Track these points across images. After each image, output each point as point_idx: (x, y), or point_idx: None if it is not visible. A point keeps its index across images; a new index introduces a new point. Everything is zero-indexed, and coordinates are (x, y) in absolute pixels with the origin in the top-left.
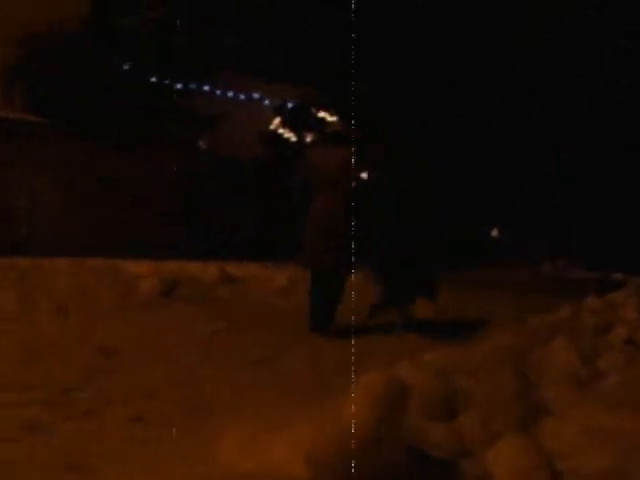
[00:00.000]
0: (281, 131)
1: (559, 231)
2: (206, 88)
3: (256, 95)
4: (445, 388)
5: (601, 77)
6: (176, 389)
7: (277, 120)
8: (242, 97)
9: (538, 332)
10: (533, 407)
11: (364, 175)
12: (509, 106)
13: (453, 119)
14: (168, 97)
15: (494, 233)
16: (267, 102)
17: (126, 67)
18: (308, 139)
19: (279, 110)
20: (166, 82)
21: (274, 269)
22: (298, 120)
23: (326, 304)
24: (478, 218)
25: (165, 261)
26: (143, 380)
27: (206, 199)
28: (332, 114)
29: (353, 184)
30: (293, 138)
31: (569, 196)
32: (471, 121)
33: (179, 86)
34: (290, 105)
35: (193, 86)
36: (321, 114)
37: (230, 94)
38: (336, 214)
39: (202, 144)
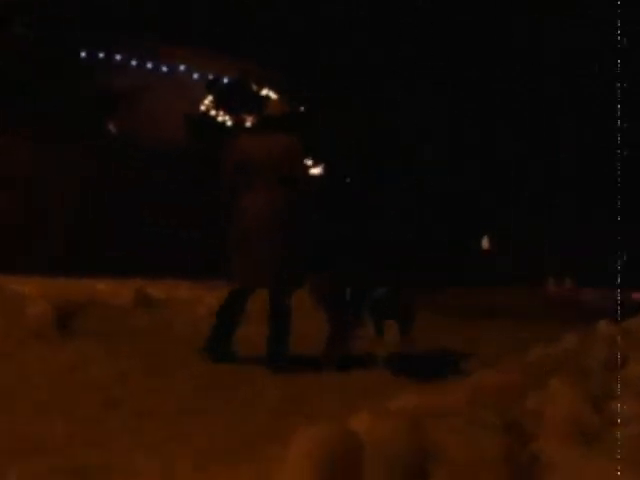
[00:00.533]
0: (214, 113)
1: (564, 242)
2: (118, 58)
3: (182, 67)
4: (414, 444)
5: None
6: (69, 449)
7: (209, 99)
8: (164, 69)
9: (536, 368)
10: (527, 468)
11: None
12: (508, 108)
13: (449, 117)
14: (67, 70)
15: (484, 243)
16: (196, 76)
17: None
18: (248, 124)
19: (212, 87)
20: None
21: (205, 288)
22: (235, 100)
23: (275, 336)
24: (465, 225)
25: (66, 278)
26: (28, 439)
27: (118, 201)
28: (279, 94)
29: (296, 179)
30: (229, 122)
31: (574, 200)
32: (466, 120)
33: (83, 55)
34: (226, 81)
35: (101, 55)
36: (265, 93)
37: (149, 65)
38: (271, 215)
39: (112, 128)
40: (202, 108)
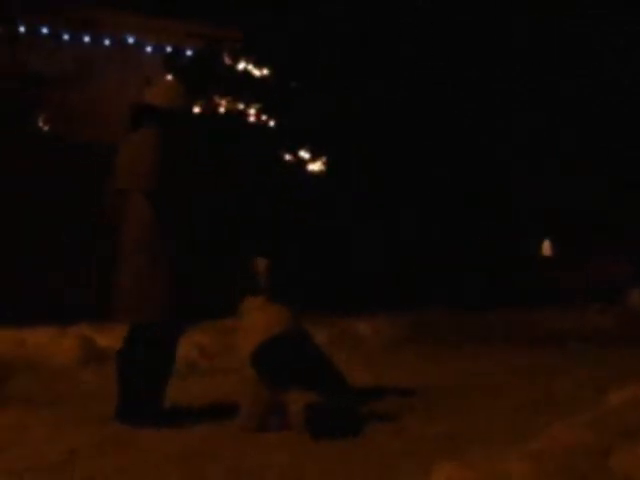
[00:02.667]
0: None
1: None
2: (45, 31)
3: (131, 39)
4: None
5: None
6: None
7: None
8: (107, 42)
9: (623, 417)
10: None
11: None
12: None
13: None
14: None
15: (545, 249)
16: (149, 49)
17: None
18: (221, 110)
19: (171, 63)
20: None
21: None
22: (203, 79)
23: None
24: (520, 228)
25: None
26: None
27: (54, 218)
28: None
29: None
30: (196, 109)
31: None
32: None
33: None
34: (189, 54)
35: (22, 29)
36: (242, 67)
37: (86, 39)
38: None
39: (42, 124)
40: None
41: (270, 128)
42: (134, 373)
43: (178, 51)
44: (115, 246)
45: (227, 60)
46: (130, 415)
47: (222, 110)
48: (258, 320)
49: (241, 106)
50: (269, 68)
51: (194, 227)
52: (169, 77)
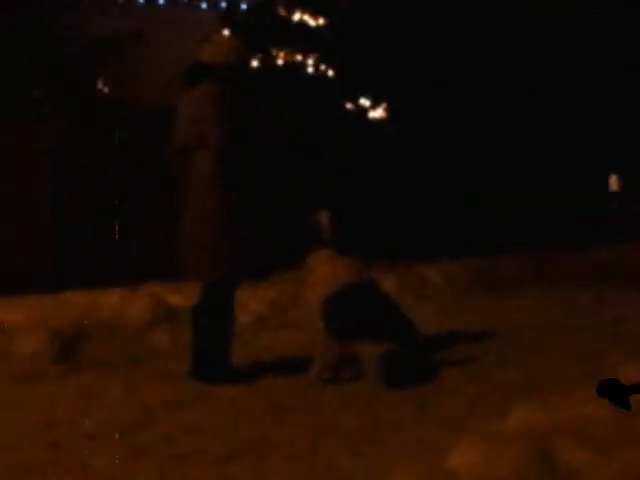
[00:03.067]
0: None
1: None
2: None
3: None
4: (544, 476)
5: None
6: None
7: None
8: (161, 1)
9: None
10: None
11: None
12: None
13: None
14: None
15: (613, 185)
16: (204, 6)
17: None
18: (279, 61)
19: (227, 19)
20: None
21: (247, 288)
22: (260, 33)
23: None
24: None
25: (62, 293)
26: None
27: (120, 185)
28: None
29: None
30: (255, 64)
31: None
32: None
33: None
34: (244, 8)
35: None
36: (298, 19)
37: (141, 1)
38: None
39: (102, 87)
40: None
41: (329, 78)
42: (207, 330)
43: (233, 6)
44: (180, 204)
45: (282, 12)
46: (203, 372)
47: (280, 62)
48: (325, 272)
49: (299, 57)
50: (324, 18)
51: (258, 181)
52: (223, 33)
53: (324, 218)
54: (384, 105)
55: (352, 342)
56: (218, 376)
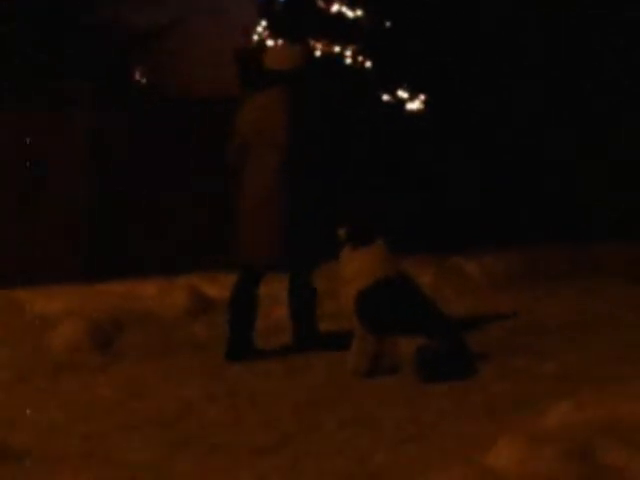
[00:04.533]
0: (271, 44)
1: None
2: None
3: None
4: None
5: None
6: None
7: (262, 26)
8: None
9: None
10: None
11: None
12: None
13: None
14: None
15: None
16: None
17: None
18: (317, 53)
19: (264, 9)
20: None
21: (283, 278)
22: (297, 23)
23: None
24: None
25: (99, 285)
26: None
27: (155, 175)
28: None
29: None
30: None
31: None
32: None
33: None
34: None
35: None
36: (336, 10)
37: None
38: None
39: (139, 76)
40: (255, 39)
41: (367, 69)
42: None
43: None
44: (239, 199)
45: (320, 3)
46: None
47: (318, 53)
48: (358, 267)
49: (337, 49)
50: (363, 9)
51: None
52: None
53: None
54: (422, 97)
55: (388, 336)
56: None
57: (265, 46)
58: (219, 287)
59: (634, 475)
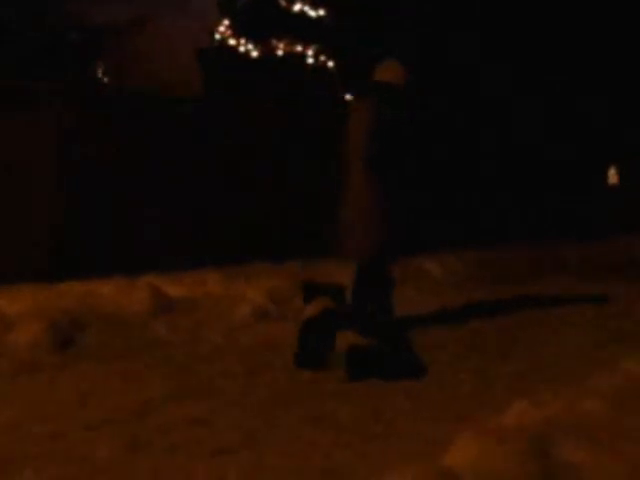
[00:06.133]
0: (233, 43)
1: None
2: None
3: None
4: (541, 474)
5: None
6: None
7: (225, 25)
8: None
9: None
10: None
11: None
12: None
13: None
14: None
15: (611, 177)
16: None
17: None
18: (279, 52)
19: (227, 8)
20: None
21: (244, 279)
22: (259, 22)
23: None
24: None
25: (60, 284)
26: None
27: (114, 173)
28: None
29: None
30: (254, 53)
31: None
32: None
33: None
34: None
35: None
36: (298, 9)
37: None
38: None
39: (100, 73)
40: (217, 37)
41: (329, 68)
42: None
43: None
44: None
45: (282, 2)
46: None
47: (280, 53)
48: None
49: (299, 48)
50: (325, 8)
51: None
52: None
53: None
54: None
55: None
56: None
57: (227, 45)
58: (180, 287)
59: (591, 472)
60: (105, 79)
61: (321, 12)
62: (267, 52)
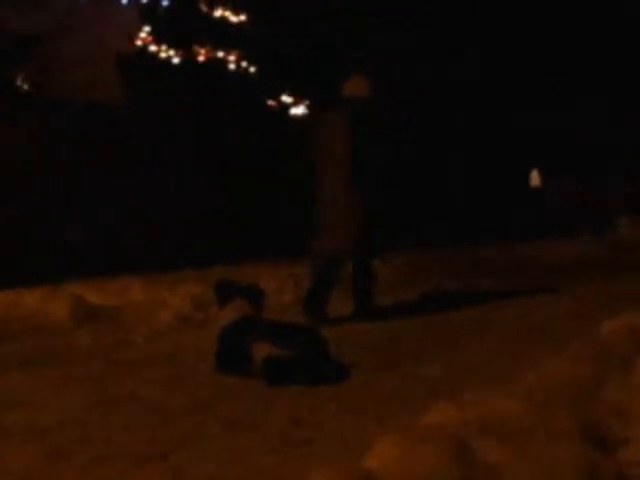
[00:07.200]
0: (154, 49)
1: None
2: None
3: None
4: (461, 475)
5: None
6: None
7: (146, 31)
8: None
9: (614, 347)
10: None
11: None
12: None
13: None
14: None
15: (534, 179)
16: (125, 1)
17: None
18: (201, 58)
19: (149, 14)
20: None
21: (166, 286)
22: (180, 29)
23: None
24: (506, 159)
25: None
26: None
27: (39, 182)
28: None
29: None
30: (176, 59)
31: None
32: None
33: None
34: (165, 4)
35: None
36: (219, 15)
37: None
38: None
39: (22, 83)
40: (138, 43)
41: (251, 74)
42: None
43: (154, 1)
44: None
45: (204, 8)
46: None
47: (202, 59)
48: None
49: (220, 54)
50: (246, 14)
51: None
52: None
53: None
54: (306, 102)
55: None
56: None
57: (148, 51)
58: (103, 295)
59: (512, 473)
60: (25, 87)
61: (242, 18)
62: (188, 58)
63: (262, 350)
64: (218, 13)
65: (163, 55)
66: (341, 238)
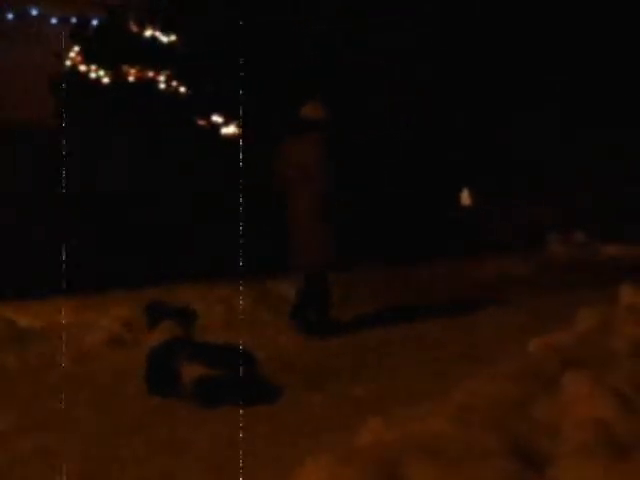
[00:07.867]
0: (84, 69)
1: (565, 192)
2: None
3: (35, 11)
4: None
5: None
6: None
7: (75, 51)
8: (10, 16)
9: (541, 364)
10: None
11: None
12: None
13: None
14: None
15: (464, 198)
16: (54, 21)
17: None
18: (131, 78)
19: (79, 34)
20: None
21: (97, 307)
22: (110, 48)
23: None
24: (436, 177)
25: None
26: None
27: None
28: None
29: None
30: (106, 79)
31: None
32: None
33: None
34: (95, 24)
35: None
36: (149, 35)
37: None
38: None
39: None
40: (67, 64)
41: (181, 94)
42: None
43: (83, 21)
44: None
45: (133, 28)
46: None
47: (131, 79)
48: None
49: (150, 74)
50: (176, 34)
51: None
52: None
53: None
54: (237, 122)
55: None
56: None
57: (79, 71)
58: (31, 316)
59: None
60: None
61: (173, 38)
62: (118, 78)
63: (193, 371)
64: (148, 33)
65: (93, 75)
66: (315, 253)
